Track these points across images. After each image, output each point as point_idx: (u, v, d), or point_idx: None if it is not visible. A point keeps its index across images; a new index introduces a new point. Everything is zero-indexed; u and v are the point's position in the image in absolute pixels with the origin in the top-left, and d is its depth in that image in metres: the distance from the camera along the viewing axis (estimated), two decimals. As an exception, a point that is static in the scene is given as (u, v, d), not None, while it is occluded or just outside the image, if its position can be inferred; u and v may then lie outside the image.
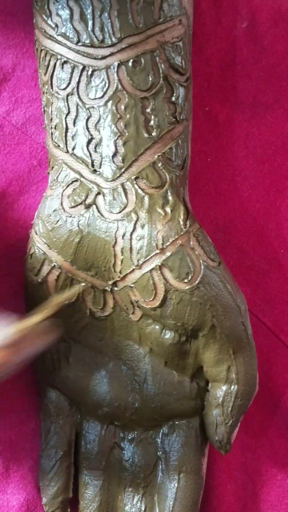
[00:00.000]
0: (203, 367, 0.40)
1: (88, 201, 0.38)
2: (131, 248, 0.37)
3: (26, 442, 0.44)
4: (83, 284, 0.39)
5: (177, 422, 0.41)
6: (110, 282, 0.39)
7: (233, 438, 0.40)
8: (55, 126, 0.39)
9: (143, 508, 0.41)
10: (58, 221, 0.38)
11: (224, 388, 0.39)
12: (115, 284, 0.39)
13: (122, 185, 0.38)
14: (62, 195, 0.38)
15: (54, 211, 0.38)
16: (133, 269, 0.38)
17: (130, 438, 0.42)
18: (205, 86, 0.44)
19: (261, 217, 0.45)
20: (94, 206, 0.38)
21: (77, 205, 0.38)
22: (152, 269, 0.37)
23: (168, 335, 0.39)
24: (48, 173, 0.40)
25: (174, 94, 0.38)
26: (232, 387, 0.39)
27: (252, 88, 0.45)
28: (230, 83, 0.44)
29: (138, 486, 0.41)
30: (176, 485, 0.41)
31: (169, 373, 0.41)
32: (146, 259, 0.37)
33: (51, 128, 0.39)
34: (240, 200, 0.45)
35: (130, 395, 0.41)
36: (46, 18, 0.38)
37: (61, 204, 0.38)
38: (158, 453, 0.41)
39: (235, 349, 0.39)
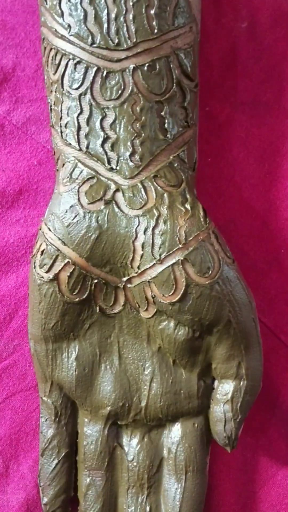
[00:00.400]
0: (212, 364, 0.40)
1: (107, 197, 0.38)
2: (152, 243, 0.38)
3: (26, 442, 0.44)
4: (95, 281, 0.39)
5: (182, 422, 0.41)
6: (125, 279, 0.39)
7: (239, 434, 0.40)
8: (66, 124, 0.39)
9: (148, 509, 0.41)
10: (75, 217, 0.38)
11: (233, 384, 0.40)
12: (129, 280, 0.39)
13: (141, 182, 0.38)
14: (78, 191, 0.38)
15: (70, 207, 0.38)
16: (154, 264, 0.38)
17: (133, 438, 0.42)
18: (205, 86, 0.44)
19: (261, 217, 0.45)
20: (113, 202, 0.38)
21: (95, 201, 0.38)
22: (174, 263, 0.38)
23: (182, 331, 0.39)
24: (57, 170, 0.40)
25: (186, 99, 0.39)
26: (242, 382, 0.40)
27: (252, 88, 0.45)
28: (230, 83, 0.45)
29: (142, 486, 0.41)
30: (183, 484, 0.41)
31: (177, 371, 0.41)
32: (168, 254, 0.38)
33: (60, 126, 0.39)
34: (240, 200, 0.45)
35: (136, 394, 0.41)
36: (57, 18, 0.38)
37: (79, 200, 0.38)
38: (163, 453, 0.41)
39: (246, 344, 0.39)
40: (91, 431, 0.41)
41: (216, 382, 0.41)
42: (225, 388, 0.40)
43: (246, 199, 0.45)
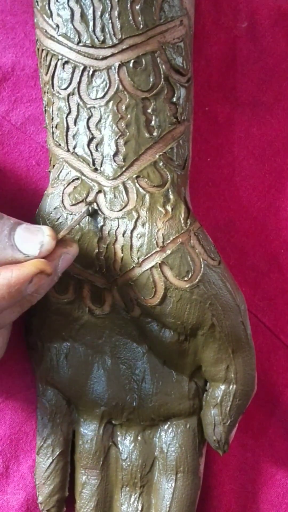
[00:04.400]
0: (202, 367, 0.40)
1: (89, 199, 0.38)
2: (131, 246, 0.38)
3: (26, 442, 0.44)
4: (83, 282, 0.39)
5: (174, 422, 0.41)
6: (110, 280, 0.39)
7: (231, 438, 0.40)
8: (56, 125, 0.39)
9: (140, 508, 0.41)
10: (58, 218, 0.38)
11: (222, 387, 0.39)
12: (114, 282, 0.39)
13: (123, 183, 0.38)
14: (63, 193, 0.38)
15: (55, 208, 0.38)
16: (133, 267, 0.38)
17: (127, 437, 0.42)
18: (205, 86, 0.44)
19: (261, 217, 0.45)
20: (95, 204, 0.38)
21: (78, 203, 0.38)
22: (152, 267, 0.37)
23: (167, 333, 0.39)
24: (49, 171, 0.40)
25: (175, 95, 0.38)
26: (231, 386, 0.39)
27: (252, 88, 0.45)
28: (230, 83, 0.44)
29: (135, 485, 0.41)
30: (173, 485, 0.41)
31: (167, 372, 0.41)
32: (146, 257, 0.37)
33: (52, 127, 0.39)
34: (240, 200, 0.45)
35: (128, 394, 0.41)
36: (47, 18, 0.38)
37: (62, 202, 0.38)
38: (156, 452, 0.41)
39: (234, 348, 0.39)
40: (86, 430, 0.42)
41: (208, 384, 0.40)
42: (215, 391, 0.40)
43: (246, 199, 0.45)
